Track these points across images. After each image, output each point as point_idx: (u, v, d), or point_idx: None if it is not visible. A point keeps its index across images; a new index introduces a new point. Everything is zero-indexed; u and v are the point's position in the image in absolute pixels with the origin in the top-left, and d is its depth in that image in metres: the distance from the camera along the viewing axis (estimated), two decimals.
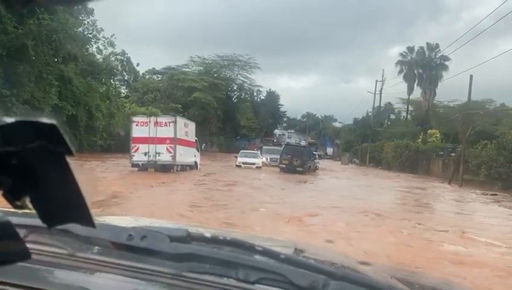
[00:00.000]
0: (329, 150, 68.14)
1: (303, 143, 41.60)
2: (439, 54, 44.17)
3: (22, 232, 0.78)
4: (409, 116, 52.87)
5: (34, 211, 0.50)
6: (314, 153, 32.05)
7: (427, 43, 46.48)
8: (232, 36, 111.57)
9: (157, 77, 50.79)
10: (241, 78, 58.31)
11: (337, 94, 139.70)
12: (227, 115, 52.35)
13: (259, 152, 30.83)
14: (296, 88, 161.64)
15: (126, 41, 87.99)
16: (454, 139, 37.63)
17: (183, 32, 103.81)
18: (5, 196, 0.49)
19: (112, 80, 31.29)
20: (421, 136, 41.42)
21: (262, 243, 1.03)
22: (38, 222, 0.52)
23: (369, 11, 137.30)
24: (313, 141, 62.52)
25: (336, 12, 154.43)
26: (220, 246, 0.98)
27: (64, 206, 0.51)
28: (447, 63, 44.27)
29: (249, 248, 0.96)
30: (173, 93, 45.07)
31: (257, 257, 0.93)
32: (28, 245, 0.62)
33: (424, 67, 45.26)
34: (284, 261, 0.91)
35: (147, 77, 49.95)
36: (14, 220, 0.60)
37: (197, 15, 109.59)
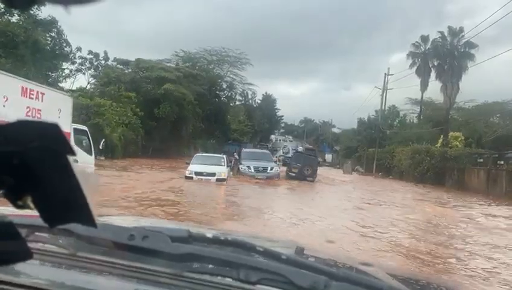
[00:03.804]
0: (328, 157, 64.65)
1: (300, 149, 38.37)
2: (463, 41, 36.35)
3: (23, 232, 0.78)
4: (421, 117, 45.51)
5: (35, 211, 0.50)
6: (319, 160, 30.33)
7: (449, 27, 38.34)
8: (231, 42, 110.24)
9: (127, 69, 42.63)
10: (231, 76, 51.55)
11: (337, 101, 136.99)
12: (215, 116, 46.30)
13: (224, 156, 19.85)
14: (295, 95, 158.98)
15: (124, 48, 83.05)
16: (477, 143, 31.44)
17: (182, 39, 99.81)
18: (6, 195, 0.49)
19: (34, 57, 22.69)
20: (440, 140, 33.89)
21: (264, 244, 1.04)
22: (39, 221, 0.52)
23: (371, 18, 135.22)
24: (311, 147, 56.87)
25: (337, 19, 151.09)
26: (221, 247, 0.98)
27: (65, 205, 0.51)
28: (473, 51, 36.48)
29: (250, 249, 0.96)
30: (141, 86, 36.99)
31: (258, 257, 0.94)
32: (30, 245, 0.62)
33: (444, 57, 37.35)
34: (285, 261, 0.91)
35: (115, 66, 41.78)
36: (15, 219, 0.60)
37: (196, 21, 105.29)
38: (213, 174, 16.94)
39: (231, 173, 20.20)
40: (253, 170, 20.76)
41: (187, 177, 16.80)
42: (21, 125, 0.47)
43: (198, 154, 20.51)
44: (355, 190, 20.72)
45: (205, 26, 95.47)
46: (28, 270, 0.87)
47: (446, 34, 37.95)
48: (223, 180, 17.07)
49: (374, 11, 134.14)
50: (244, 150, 26.47)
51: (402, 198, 17.56)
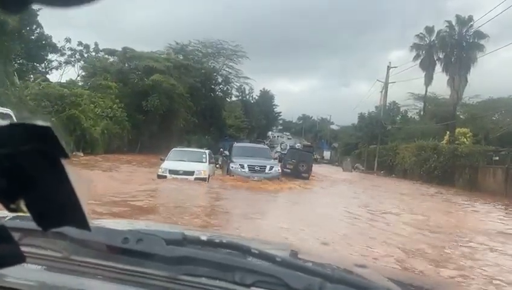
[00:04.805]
0: (327, 154, 63.57)
1: (298, 146, 37.60)
2: (472, 31, 34.03)
3: (16, 236, 0.78)
4: (421, 113, 43.80)
5: (28, 214, 0.50)
6: (316, 157, 29.75)
7: (457, 16, 35.99)
8: (231, 39, 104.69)
9: (117, 59, 40.17)
10: (227, 69, 49.44)
11: (336, 98, 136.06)
12: (210, 111, 44.35)
13: (206, 151, 16.96)
14: (294, 91, 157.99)
15: (123, 44, 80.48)
16: (485, 140, 31.07)
17: (181, 38, 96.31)
18: None
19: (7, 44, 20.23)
20: (446, 136, 31.79)
21: (258, 246, 1.03)
22: (33, 225, 0.51)
23: (370, 15, 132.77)
24: (309, 143, 55.07)
25: (337, 16, 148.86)
26: (215, 249, 0.97)
27: (59, 209, 0.51)
28: (482, 41, 33.88)
29: (245, 251, 0.95)
30: (128, 77, 34.66)
31: (253, 259, 0.93)
32: (23, 248, 0.62)
33: (451, 48, 35.03)
34: (279, 264, 0.90)
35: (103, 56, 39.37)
36: (8, 223, 0.61)
37: (195, 17, 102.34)
38: (191, 173, 14.24)
39: (218, 170, 17.84)
40: (247, 170, 16.96)
41: (159, 176, 14.06)
42: (13, 127, 0.45)
43: (175, 148, 17.23)
44: (363, 192, 17.64)
45: (205, 26, 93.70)
46: (21, 274, 0.86)
47: (454, 23, 35.57)
48: (203, 179, 14.36)
49: (373, 8, 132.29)
50: (236, 144, 21.82)
51: (417, 202, 15.13)
